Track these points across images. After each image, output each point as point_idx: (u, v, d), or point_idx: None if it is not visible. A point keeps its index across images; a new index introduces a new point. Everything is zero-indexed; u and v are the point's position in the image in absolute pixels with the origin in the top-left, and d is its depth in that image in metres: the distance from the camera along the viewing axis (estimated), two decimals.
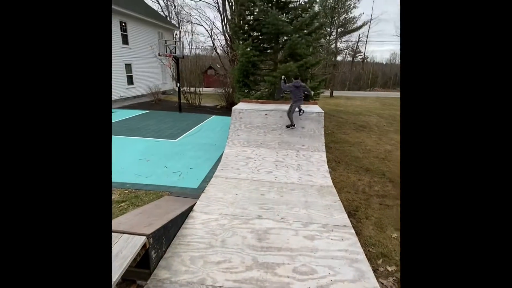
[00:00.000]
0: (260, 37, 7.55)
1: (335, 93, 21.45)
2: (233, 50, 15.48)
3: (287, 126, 5.41)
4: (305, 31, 6.80)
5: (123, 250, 2.08)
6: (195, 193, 3.98)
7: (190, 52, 13.10)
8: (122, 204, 3.66)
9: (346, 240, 2.87)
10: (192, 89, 12.44)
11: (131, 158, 5.51)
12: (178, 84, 10.58)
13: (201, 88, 12.60)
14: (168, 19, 23.34)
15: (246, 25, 7.65)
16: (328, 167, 4.82)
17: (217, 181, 4.25)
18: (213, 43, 21.21)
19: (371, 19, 24.28)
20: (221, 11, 17.64)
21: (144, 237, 2.21)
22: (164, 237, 2.59)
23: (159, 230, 2.45)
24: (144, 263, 2.32)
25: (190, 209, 3.32)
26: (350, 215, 3.52)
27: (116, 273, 1.88)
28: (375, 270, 2.58)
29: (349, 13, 21.19)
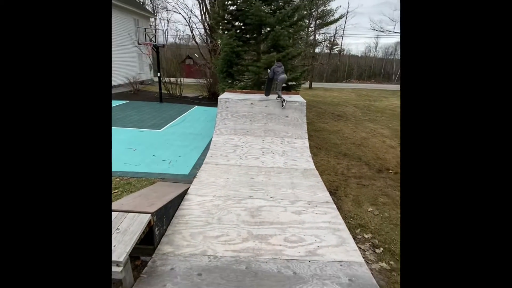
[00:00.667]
0: (243, 28, 7.64)
1: (314, 84, 22.06)
2: (213, 40, 15.31)
3: (282, 102, 5.72)
4: (287, 23, 7.01)
5: (131, 227, 2.25)
6: (187, 179, 4.15)
7: (166, 40, 12.67)
8: (116, 191, 3.73)
9: (328, 214, 3.23)
10: (173, 79, 12.23)
11: (117, 148, 5.49)
12: (159, 74, 10.38)
13: (181, 79, 12.41)
14: (143, 5, 22.28)
15: (229, 15, 7.69)
16: (310, 153, 5.18)
17: (208, 167, 4.43)
18: (192, 32, 20.66)
19: (347, 12, 25.07)
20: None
21: (149, 215, 2.38)
22: (165, 216, 2.77)
23: (161, 209, 2.63)
24: (148, 240, 2.50)
25: (185, 192, 3.50)
26: (331, 193, 3.90)
27: (128, 246, 2.05)
28: (354, 237, 2.96)
29: (326, 5, 21.69)
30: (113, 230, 2.21)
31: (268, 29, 6.94)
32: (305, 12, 11.33)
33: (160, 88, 10.68)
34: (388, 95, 18.06)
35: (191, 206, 3.24)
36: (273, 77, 5.81)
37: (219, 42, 14.23)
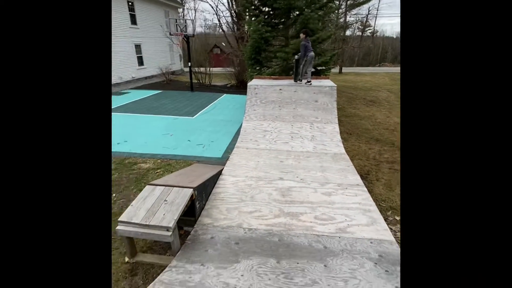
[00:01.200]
0: (271, 13, 7.58)
1: (344, 69, 21.14)
2: (240, 27, 15.30)
3: (308, 82, 5.79)
4: (316, 5, 6.81)
5: (176, 199, 2.53)
6: (220, 162, 4.42)
7: (194, 30, 12.96)
8: (158, 171, 4.12)
9: (359, 196, 3.27)
10: (202, 69, 12.59)
11: (155, 133, 5.94)
12: (190, 64, 10.76)
13: (210, 68, 12.72)
14: None
15: (257, 0, 7.66)
16: (341, 138, 5.14)
17: (239, 151, 4.65)
18: (219, 21, 20.83)
19: None
20: None
21: (191, 189, 2.65)
22: (204, 192, 3.03)
23: (201, 185, 2.89)
24: (190, 212, 2.78)
25: (220, 172, 3.75)
26: (362, 177, 3.89)
27: (175, 214, 2.33)
28: (385, 219, 2.99)
29: None
30: (160, 201, 2.51)
31: (297, 12, 6.81)
32: None
33: (191, 78, 11.10)
34: None
35: (226, 185, 3.48)
36: (305, 54, 5.68)
37: (246, 29, 14.23)
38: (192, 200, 2.70)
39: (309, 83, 5.86)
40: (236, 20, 16.42)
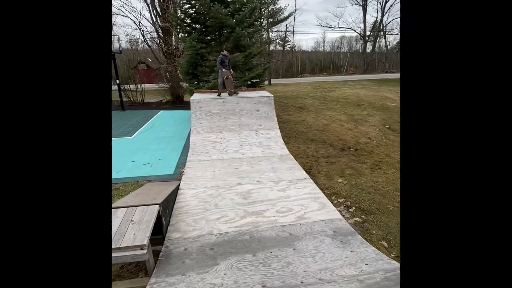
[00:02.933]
0: (203, 30, 7.87)
1: (272, 81, 23.00)
2: (167, 43, 15.05)
3: (230, 94, 6.19)
4: (245, 23, 7.45)
5: (144, 217, 2.48)
6: (173, 177, 4.35)
7: (120, 46, 12.10)
8: None
9: (308, 187, 3.78)
10: (132, 86, 11.83)
11: None
12: (118, 81, 10.00)
13: (142, 85, 12.07)
14: None
15: (188, 18, 7.85)
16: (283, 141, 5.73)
17: (192, 164, 4.67)
18: (143, 36, 19.89)
19: (295, 10, 26.52)
20: (148, 1, 16.65)
21: (157, 206, 2.63)
22: (167, 208, 3.01)
23: (164, 201, 2.87)
24: (157, 230, 2.73)
25: (178, 187, 3.73)
26: (307, 172, 4.47)
27: (147, 231, 2.30)
28: (331, 202, 3.56)
29: (275, 4, 22.77)
30: (127, 223, 2.41)
31: (229, 30, 7.30)
32: (259, 12, 11.93)
33: (120, 96, 10.29)
34: (340, 85, 19.77)
35: (187, 198, 3.50)
36: (222, 67, 6.15)
37: (175, 45, 14.08)
38: (158, 217, 2.67)
39: (219, 95, 6.34)
40: (162, 36, 16.07)
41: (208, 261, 2.38)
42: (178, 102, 12.16)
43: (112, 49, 9.21)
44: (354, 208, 3.53)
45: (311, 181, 3.98)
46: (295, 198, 3.47)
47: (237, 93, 6.33)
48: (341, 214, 3.24)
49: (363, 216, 3.33)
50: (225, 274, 2.21)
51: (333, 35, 62.21)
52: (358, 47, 40.57)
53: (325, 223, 2.95)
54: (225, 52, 6.16)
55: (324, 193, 3.78)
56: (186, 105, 11.14)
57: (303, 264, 2.31)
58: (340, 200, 3.71)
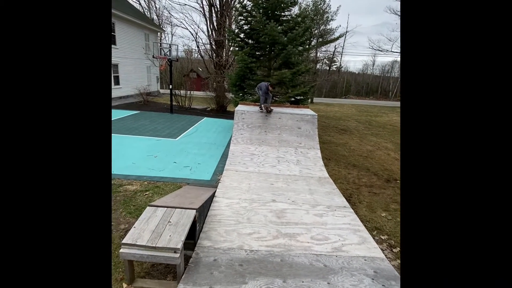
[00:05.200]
0: (256, 45, 8.17)
1: (314, 100, 22.73)
2: (219, 55, 16.00)
3: (265, 111, 6.26)
4: (297, 42, 7.54)
5: (181, 220, 2.52)
6: (210, 184, 4.43)
7: (177, 55, 13.35)
8: (147, 193, 3.99)
9: (347, 217, 3.51)
10: (183, 91, 12.70)
11: (139, 155, 5.77)
12: (171, 86, 10.82)
13: (191, 91, 12.88)
14: (152, 20, 23.22)
15: (243, 33, 8.24)
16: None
17: (229, 173, 4.72)
18: (198, 47, 21.47)
19: (346, 31, 26.25)
20: (207, 16, 18.04)
21: (195, 210, 2.66)
22: (202, 214, 3.03)
23: (201, 207, 2.90)
24: (190, 235, 2.75)
25: (213, 195, 3.77)
26: (346, 200, 4.19)
27: (182, 235, 2.32)
28: (373, 238, 3.24)
29: (327, 25, 22.83)
30: (165, 223, 2.48)
31: (280, 47, 7.45)
32: (311, 32, 12.04)
33: (171, 100, 11.10)
34: (388, 111, 18.68)
35: (221, 207, 3.50)
36: (263, 96, 6.33)
37: (225, 57, 14.86)
38: (193, 222, 2.69)
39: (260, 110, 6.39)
40: (215, 48, 17.16)
41: (237, 278, 2.30)
42: (222, 111, 12.66)
43: (170, 57, 10.05)
44: (398, 248, 3.16)
45: (351, 210, 3.69)
46: (332, 227, 3.24)
47: (271, 110, 6.33)
48: (383, 253, 2.92)
49: None
50: None
51: (384, 59, 59.86)
52: None
53: (365, 260, 2.67)
54: (269, 87, 6.32)
55: (365, 226, 3.47)
56: (228, 115, 11.56)
57: None
58: (382, 237, 3.35)
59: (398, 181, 5.38)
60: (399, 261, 2.94)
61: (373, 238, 3.24)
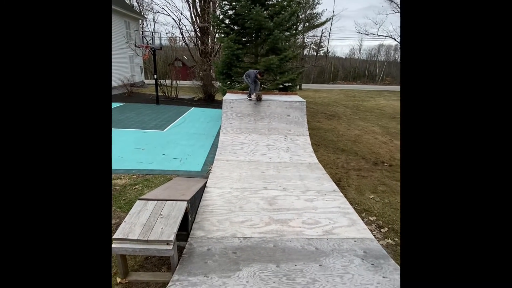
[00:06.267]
0: (241, 31, 7.96)
1: (303, 86, 22.67)
2: (204, 42, 15.52)
3: (255, 99, 6.18)
4: (284, 27, 7.39)
5: (172, 212, 2.51)
6: (200, 175, 4.40)
7: (161, 43, 12.81)
8: (136, 186, 3.93)
9: (337, 200, 3.60)
10: (168, 81, 12.34)
11: (127, 148, 5.64)
12: (155, 76, 10.49)
13: (177, 81, 12.54)
14: (132, 7, 22.13)
15: (228, 19, 7.99)
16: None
17: (220, 163, 4.70)
18: (182, 34, 20.72)
19: (333, 15, 25.96)
20: (190, 1, 17.31)
21: (186, 202, 2.65)
22: (194, 205, 3.02)
23: (192, 198, 2.89)
24: (182, 226, 2.75)
25: (205, 185, 3.75)
26: (336, 184, 4.27)
27: (174, 227, 2.31)
28: (362, 220, 3.34)
29: (313, 8, 22.44)
30: (156, 216, 2.45)
31: (266, 33, 7.29)
32: (298, 16, 11.83)
33: (156, 90, 10.79)
34: (375, 95, 18.93)
35: (213, 197, 3.51)
36: (253, 83, 6.22)
37: (210, 44, 14.45)
38: (185, 213, 2.68)
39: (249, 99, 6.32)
40: (199, 35, 16.61)
41: (231, 265, 2.34)
42: (210, 100, 12.45)
43: (153, 45, 9.68)
44: (386, 228, 3.28)
45: (341, 194, 3.78)
46: (323, 211, 3.32)
47: (261, 98, 6.26)
48: (372, 233, 3.03)
49: (396, 239, 3.07)
50: (247, 282, 2.14)
51: (370, 43, 59.95)
52: (396, 56, 38.61)
53: (355, 241, 2.76)
54: (258, 75, 6.17)
55: (354, 208, 3.57)
56: (216, 104, 11.38)
57: (330, 283, 2.16)
58: (371, 218, 3.47)
59: (385, 164, 5.53)
60: (387, 240, 3.06)
61: (362, 219, 3.35)
